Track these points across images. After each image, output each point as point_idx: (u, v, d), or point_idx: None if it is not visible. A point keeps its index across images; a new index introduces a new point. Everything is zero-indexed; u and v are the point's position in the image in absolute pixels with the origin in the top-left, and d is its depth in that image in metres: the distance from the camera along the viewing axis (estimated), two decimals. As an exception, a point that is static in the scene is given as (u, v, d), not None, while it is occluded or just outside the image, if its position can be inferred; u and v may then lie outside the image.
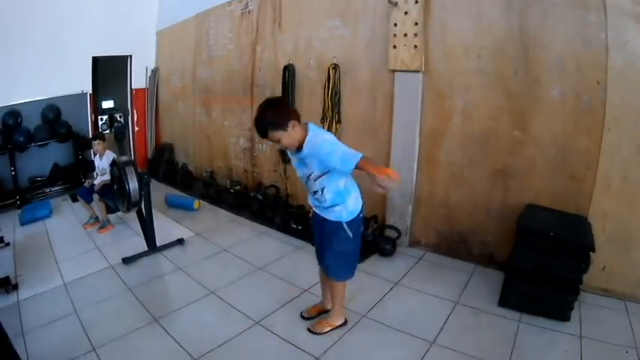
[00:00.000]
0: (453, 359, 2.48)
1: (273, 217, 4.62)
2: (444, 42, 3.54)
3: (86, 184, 4.75)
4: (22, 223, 4.83)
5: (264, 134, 2.15)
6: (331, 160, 2.12)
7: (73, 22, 5.82)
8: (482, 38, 3.35)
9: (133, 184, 3.72)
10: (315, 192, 2.34)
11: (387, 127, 3.98)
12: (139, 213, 4.00)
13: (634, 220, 2.99)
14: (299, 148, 2.21)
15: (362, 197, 2.46)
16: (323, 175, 2.24)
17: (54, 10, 5.65)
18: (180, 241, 4.19)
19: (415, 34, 3.54)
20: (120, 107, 6.83)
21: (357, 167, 2.07)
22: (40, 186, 5.77)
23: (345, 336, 2.70)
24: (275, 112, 2.15)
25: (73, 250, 4.08)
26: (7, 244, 4.22)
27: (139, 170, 3.85)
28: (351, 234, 2.41)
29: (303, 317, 2.87)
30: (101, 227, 4.55)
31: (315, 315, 2.86)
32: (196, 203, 5.21)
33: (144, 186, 3.82)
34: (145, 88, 7.09)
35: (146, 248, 4.00)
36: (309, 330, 2.73)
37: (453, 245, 3.85)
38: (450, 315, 2.93)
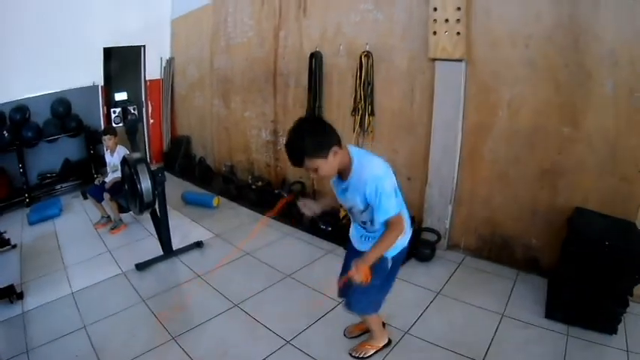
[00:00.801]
0: None
1: (301, 216, 4.55)
2: (488, 29, 3.57)
3: (97, 182, 4.90)
4: (31, 223, 4.95)
5: (298, 163, 1.97)
6: (371, 201, 2.06)
7: (84, 12, 5.96)
8: (529, 26, 3.37)
9: (145, 184, 3.72)
10: (364, 223, 2.25)
11: (426, 120, 4.03)
12: (153, 214, 4.07)
13: None
14: (341, 175, 2.13)
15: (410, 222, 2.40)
16: (367, 209, 2.13)
17: (62, 2, 5.75)
18: (198, 244, 4.28)
19: (458, 20, 3.56)
20: (134, 99, 6.93)
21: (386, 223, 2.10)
22: (50, 183, 5.97)
23: (388, 357, 2.72)
24: (313, 137, 1.94)
25: (83, 254, 4.15)
26: (14, 246, 4.30)
27: (152, 168, 3.88)
28: (389, 266, 2.32)
29: (345, 336, 2.88)
30: (113, 227, 4.72)
31: (359, 334, 2.86)
32: (215, 200, 5.36)
33: (158, 185, 3.86)
34: (159, 79, 7.25)
35: (161, 252, 4.06)
36: (350, 355, 2.70)
37: (495, 249, 3.91)
38: (497, 329, 2.96)
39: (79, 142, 6.16)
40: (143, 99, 7.08)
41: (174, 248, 4.11)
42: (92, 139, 6.08)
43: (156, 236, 4.18)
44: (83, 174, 6.12)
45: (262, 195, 5.35)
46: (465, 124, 3.81)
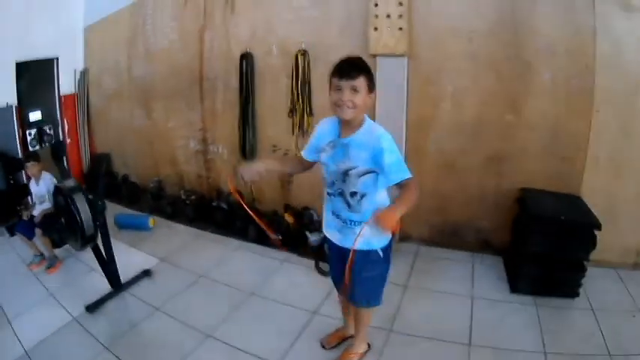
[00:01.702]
0: (497, 357, 2.69)
1: (245, 228, 4.50)
2: (431, 24, 3.68)
3: (25, 217, 4.26)
4: None
5: (356, 71, 1.97)
6: (383, 159, 1.98)
7: None
8: (471, 21, 3.55)
9: (85, 216, 3.32)
10: (353, 195, 2.12)
11: (369, 116, 3.89)
12: (95, 247, 3.64)
13: (620, 194, 3.50)
14: (347, 132, 2.10)
15: None
16: (367, 174, 2.06)
17: None
18: (147, 273, 3.92)
19: (400, 16, 3.60)
20: (48, 118, 6.04)
21: (400, 185, 2.01)
22: None
23: (385, 353, 2.77)
24: (369, 67, 2.07)
25: (24, 301, 3.63)
26: None
27: (90, 196, 3.48)
28: (382, 255, 2.26)
29: (323, 347, 2.81)
30: (49, 266, 4.14)
31: (337, 343, 2.81)
32: (151, 221, 4.95)
33: (99, 215, 3.48)
34: (74, 94, 6.46)
35: (108, 287, 3.67)
36: None
37: (447, 236, 4.10)
38: (472, 312, 3.15)
39: None
40: (59, 117, 6.29)
41: (122, 281, 3.72)
42: (11, 167, 5.30)
43: (97, 269, 3.75)
44: (4, 207, 5.25)
45: (199, 209, 5.05)
46: (409, 118, 3.90)
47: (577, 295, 3.21)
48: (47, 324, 3.29)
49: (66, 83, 6.27)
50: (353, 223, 2.17)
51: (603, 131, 3.38)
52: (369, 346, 2.74)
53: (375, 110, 3.88)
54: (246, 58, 4.49)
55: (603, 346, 2.73)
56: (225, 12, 4.63)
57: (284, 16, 4.26)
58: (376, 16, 3.65)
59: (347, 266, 2.13)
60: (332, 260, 2.53)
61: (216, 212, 4.84)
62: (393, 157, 1.98)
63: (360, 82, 1.96)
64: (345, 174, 2.09)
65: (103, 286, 3.66)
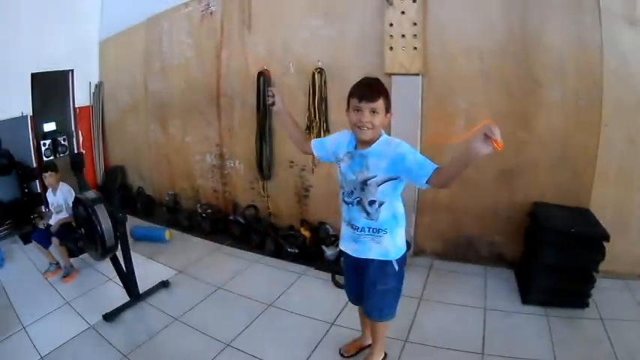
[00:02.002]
0: None
1: (263, 241, 4.61)
2: (443, 44, 3.78)
3: (41, 226, 4.32)
4: None
5: (376, 94, 2.06)
6: (406, 162, 2.01)
7: (7, 37, 5.33)
8: (483, 40, 3.66)
9: (106, 227, 3.39)
10: (372, 202, 2.16)
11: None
12: (114, 258, 3.71)
13: (628, 206, 3.57)
14: (364, 146, 2.16)
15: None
16: (387, 181, 2.11)
17: None
18: (164, 284, 4.00)
19: (414, 35, 3.73)
20: (63, 129, 6.22)
21: (430, 180, 1.93)
22: None
23: None
24: (387, 90, 2.16)
25: (40, 309, 3.65)
26: None
27: (111, 208, 3.56)
28: (397, 268, 2.31)
29: (342, 356, 2.85)
30: (65, 275, 4.21)
31: (355, 352, 2.87)
32: (168, 234, 5.05)
33: (119, 226, 3.55)
34: (89, 106, 6.67)
35: (126, 297, 3.72)
36: None
37: (461, 250, 4.16)
38: (485, 323, 3.20)
39: (10, 181, 5.41)
40: (73, 128, 6.44)
41: (139, 292, 3.77)
42: (26, 176, 5.44)
43: (114, 279, 3.85)
44: (18, 216, 5.39)
45: (215, 223, 5.14)
46: (424, 135, 3.98)
47: (587, 305, 3.27)
48: (64, 331, 3.32)
49: (81, 95, 6.48)
50: (370, 230, 2.22)
51: (611, 145, 3.46)
52: (385, 355, 2.78)
53: (390, 128, 4.01)
54: (264, 76, 4.63)
55: (612, 354, 2.78)
56: (242, 31, 4.78)
57: (301, 35, 4.39)
58: (391, 36, 3.77)
59: None
60: (348, 273, 2.57)
61: (233, 226, 4.92)
62: (416, 156, 2.02)
63: (379, 104, 2.05)
64: (364, 183, 2.15)
65: (121, 295, 3.71)
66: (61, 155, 6.01)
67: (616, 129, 3.43)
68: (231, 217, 5.00)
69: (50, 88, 6.11)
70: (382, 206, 2.16)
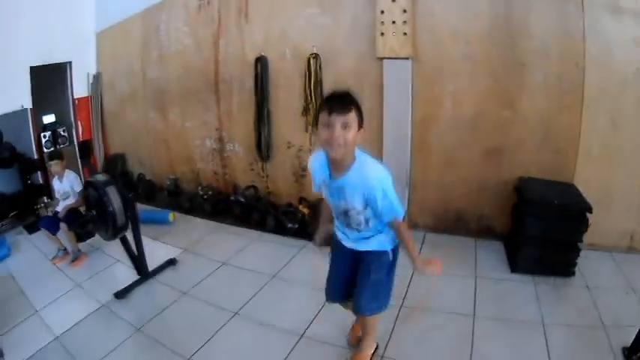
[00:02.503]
0: (499, 328, 2.99)
1: (264, 219, 4.81)
2: (432, 29, 3.99)
3: (49, 213, 4.43)
4: None
5: (347, 107, 1.88)
6: (377, 201, 2.01)
7: (5, 31, 5.41)
8: (470, 26, 3.86)
9: (117, 206, 3.59)
10: (359, 225, 2.18)
11: (376, 114, 4.33)
12: (123, 237, 3.90)
13: (612, 182, 3.80)
14: (337, 171, 2.05)
15: None
16: (365, 209, 2.09)
17: None
18: (172, 262, 4.18)
19: (404, 22, 3.93)
20: (62, 120, 6.38)
21: (390, 224, 2.13)
22: None
23: (398, 325, 3.06)
24: (358, 103, 1.96)
25: (51, 294, 3.79)
26: None
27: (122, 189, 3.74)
28: (391, 257, 2.33)
29: (351, 344, 2.82)
30: (74, 259, 4.36)
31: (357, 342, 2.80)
32: (171, 216, 5.23)
33: (130, 206, 3.74)
34: (87, 97, 6.77)
35: (134, 277, 3.88)
36: None
37: (451, 223, 4.42)
38: (476, 289, 3.46)
39: (12, 173, 5.51)
40: (72, 119, 6.56)
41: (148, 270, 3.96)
42: (28, 168, 5.55)
43: (122, 261, 4.04)
44: (22, 208, 5.51)
45: (217, 204, 5.34)
46: (414, 115, 4.21)
47: (573, 274, 3.51)
48: (77, 311, 3.45)
49: (79, 87, 6.60)
50: (364, 237, 2.25)
51: (594, 125, 3.69)
52: (377, 347, 2.75)
53: (382, 110, 4.23)
54: (261, 62, 4.81)
55: (598, 318, 2.99)
56: (240, 20, 4.95)
57: (297, 23, 4.57)
58: (382, 23, 3.97)
59: None
60: (336, 264, 2.51)
61: (235, 206, 5.12)
62: (385, 201, 2.00)
63: (352, 117, 1.88)
64: (346, 213, 2.15)
65: (130, 275, 3.89)
66: (62, 146, 6.12)
67: (598, 110, 3.66)
68: (232, 198, 5.20)
69: (49, 80, 6.22)
70: (369, 221, 2.16)
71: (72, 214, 4.31)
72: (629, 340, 2.57)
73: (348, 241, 2.34)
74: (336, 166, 2.03)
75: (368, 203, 2.04)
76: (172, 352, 2.89)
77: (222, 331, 3.11)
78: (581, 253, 3.57)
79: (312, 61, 4.47)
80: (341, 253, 2.43)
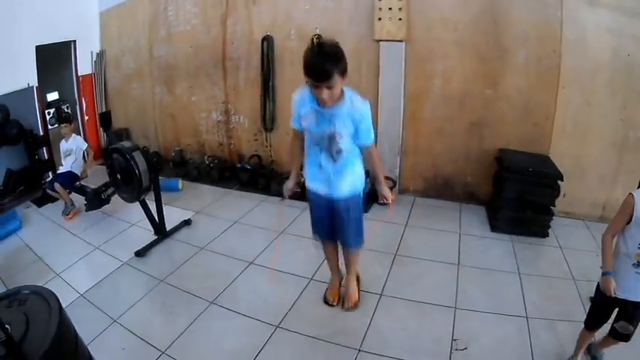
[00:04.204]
0: (480, 275, 3.49)
1: (268, 184, 5.25)
2: (424, 15, 4.42)
3: (62, 169, 4.95)
4: None
5: (327, 75, 2.14)
6: (362, 124, 2.38)
7: (11, 11, 5.53)
8: (458, 13, 4.30)
9: (143, 169, 3.90)
10: (338, 152, 2.46)
11: (373, 90, 4.77)
12: (142, 201, 4.21)
13: (585, 155, 4.29)
14: (321, 104, 2.32)
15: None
16: (348, 135, 2.42)
17: None
18: (187, 222, 4.52)
19: (400, 8, 4.37)
20: (66, 97, 6.59)
21: (367, 147, 2.53)
22: None
23: (393, 269, 3.56)
24: (343, 58, 2.19)
25: (70, 257, 3.98)
26: None
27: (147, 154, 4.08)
28: (362, 196, 2.73)
29: (328, 304, 3.11)
30: (67, 213, 4.84)
31: (339, 299, 3.14)
32: (181, 183, 5.57)
33: (153, 169, 4.07)
34: (91, 74, 6.97)
35: (151, 237, 4.19)
36: (348, 309, 3.05)
37: (439, 188, 4.95)
38: (460, 243, 3.98)
39: (19, 150, 5.70)
40: (76, 96, 6.78)
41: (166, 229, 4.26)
42: (35, 144, 5.75)
43: (138, 224, 4.39)
44: (29, 182, 5.75)
45: (223, 171, 5.74)
46: (407, 91, 4.67)
47: (547, 235, 4.02)
48: (99, 270, 3.67)
49: (83, 65, 6.79)
50: (336, 172, 2.55)
51: (568, 104, 4.15)
52: (358, 277, 3.21)
53: (378, 86, 4.69)
54: (267, 41, 5.18)
55: (568, 272, 3.46)
56: (248, 2, 5.29)
57: (301, 6, 4.95)
58: (380, 9, 4.41)
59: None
60: (317, 211, 2.81)
61: (241, 173, 5.52)
62: (366, 125, 2.40)
63: (334, 80, 2.16)
64: (331, 137, 2.41)
65: (146, 237, 4.17)
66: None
67: (573, 91, 4.12)
68: (238, 165, 5.60)
69: (54, 59, 6.39)
70: (345, 152, 2.48)
71: (68, 178, 4.79)
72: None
73: (323, 182, 2.60)
74: (322, 103, 2.33)
75: (356, 126, 2.38)
76: (196, 297, 3.23)
77: (241, 277, 3.50)
78: (556, 220, 4.09)
79: (315, 41, 4.85)
80: (318, 204, 2.76)
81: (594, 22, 3.92)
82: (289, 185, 2.82)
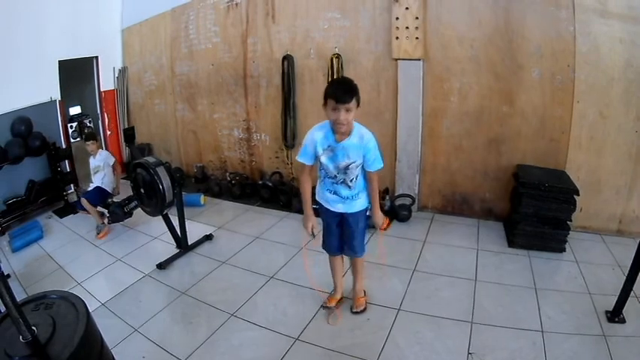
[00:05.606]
0: (497, 290, 3.59)
1: (289, 201, 5.44)
2: (441, 34, 4.60)
3: (90, 186, 5.18)
4: (14, 250, 4.73)
5: (349, 95, 2.54)
6: (370, 156, 2.76)
7: (36, 26, 5.85)
8: (473, 31, 4.46)
9: (166, 184, 4.10)
10: (352, 180, 2.85)
11: (391, 107, 4.98)
12: (165, 215, 4.38)
13: (601, 168, 4.34)
14: (342, 137, 2.71)
15: None
16: (360, 163, 2.80)
17: (11, 15, 5.60)
18: (208, 237, 4.72)
19: (417, 27, 4.55)
20: (89, 112, 6.94)
21: (371, 173, 2.89)
22: (18, 207, 5.69)
23: (411, 285, 3.68)
24: (357, 89, 2.61)
25: (91, 268, 4.18)
26: (8, 276, 3.92)
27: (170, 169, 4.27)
28: (367, 212, 3.12)
29: (325, 307, 3.38)
30: (98, 232, 4.99)
31: (336, 304, 3.39)
32: (203, 199, 5.81)
33: (177, 184, 4.26)
34: (114, 90, 7.33)
35: (173, 250, 4.36)
36: (356, 312, 3.32)
37: (457, 205, 5.07)
38: (477, 259, 4.08)
39: (41, 162, 6.02)
40: (99, 111, 7.12)
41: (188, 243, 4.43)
42: (57, 156, 6.03)
43: (160, 238, 4.58)
44: (51, 193, 6.05)
45: (245, 188, 5.96)
46: (425, 109, 4.83)
47: (564, 250, 4.09)
48: (121, 281, 3.84)
49: (106, 80, 7.14)
50: (352, 196, 2.93)
51: (583, 118, 4.23)
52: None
53: (397, 103, 4.87)
54: (288, 60, 5.43)
55: (584, 286, 3.52)
56: (267, 21, 5.55)
57: (320, 25, 5.18)
58: (397, 28, 4.60)
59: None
60: (330, 226, 3.15)
61: (262, 189, 5.73)
62: (375, 154, 2.77)
63: (353, 103, 2.56)
64: (347, 167, 2.79)
65: (168, 250, 4.34)
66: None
67: (587, 105, 4.21)
68: (260, 182, 5.82)
69: (77, 74, 6.75)
70: (357, 178, 2.87)
71: (95, 194, 4.98)
72: (612, 305, 3.07)
73: (338, 203, 2.98)
74: (341, 134, 2.70)
75: (365, 155, 2.74)
76: (217, 309, 3.38)
77: (261, 291, 3.64)
78: (573, 235, 4.15)
79: (334, 60, 5.07)
80: (330, 218, 3.11)
81: (606, 34, 3.99)
82: (313, 222, 3.04)
